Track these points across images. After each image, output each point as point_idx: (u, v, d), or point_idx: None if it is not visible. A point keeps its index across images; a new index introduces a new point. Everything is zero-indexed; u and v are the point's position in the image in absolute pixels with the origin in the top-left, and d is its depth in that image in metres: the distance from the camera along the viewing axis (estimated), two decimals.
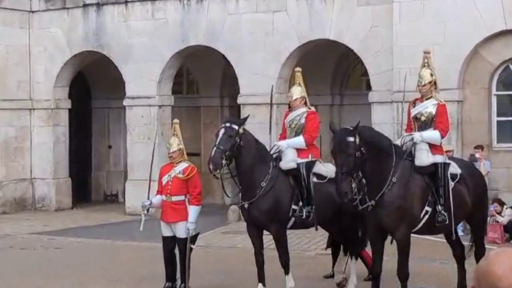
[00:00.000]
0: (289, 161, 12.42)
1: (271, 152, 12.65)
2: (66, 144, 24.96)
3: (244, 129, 12.23)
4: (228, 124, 12.20)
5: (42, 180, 24.69)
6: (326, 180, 12.19)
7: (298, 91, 12.93)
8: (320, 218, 12.39)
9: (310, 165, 12.36)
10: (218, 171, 11.98)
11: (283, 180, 12.33)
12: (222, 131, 12.05)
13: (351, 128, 11.06)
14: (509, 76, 18.98)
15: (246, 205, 12.23)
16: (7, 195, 24.07)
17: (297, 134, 12.72)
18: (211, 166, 11.84)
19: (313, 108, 13.10)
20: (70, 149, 25.17)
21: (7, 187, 24.09)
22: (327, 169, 12.30)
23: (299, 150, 12.54)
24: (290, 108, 13.11)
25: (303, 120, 12.73)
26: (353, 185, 10.91)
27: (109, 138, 27.40)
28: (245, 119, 12.67)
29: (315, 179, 12.33)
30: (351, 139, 10.88)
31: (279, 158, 12.50)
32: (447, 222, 11.45)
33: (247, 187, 12.26)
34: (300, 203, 12.26)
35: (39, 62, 24.59)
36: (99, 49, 23.88)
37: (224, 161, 11.85)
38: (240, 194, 12.43)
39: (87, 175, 27.36)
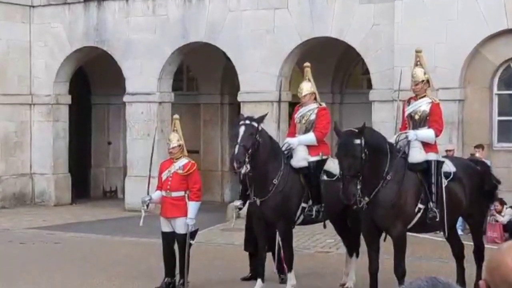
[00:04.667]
0: (300, 159, 12.37)
1: (283, 149, 12.61)
2: (66, 140, 24.90)
3: (261, 126, 12.18)
4: (248, 122, 12.03)
5: (41, 175, 24.63)
6: (335, 178, 12.08)
7: (307, 87, 12.88)
8: (328, 216, 12.44)
9: (320, 164, 12.34)
10: (241, 168, 11.91)
11: (294, 178, 12.30)
12: (242, 128, 11.87)
13: (356, 131, 11.03)
14: (510, 76, 18.92)
15: (258, 202, 12.19)
16: (6, 190, 24.03)
17: (307, 130, 12.64)
18: (235, 164, 11.73)
19: (324, 104, 13.04)
20: (69, 145, 25.11)
21: (6, 182, 24.05)
22: (337, 166, 12.21)
23: (310, 147, 12.49)
24: (300, 103, 13.05)
25: (313, 116, 12.67)
26: (358, 187, 10.92)
27: (108, 134, 27.33)
28: (264, 117, 12.42)
29: (325, 177, 12.30)
30: (358, 141, 10.86)
31: (290, 156, 12.46)
32: (437, 219, 11.46)
33: (260, 184, 12.19)
34: (310, 202, 12.25)
35: (39, 57, 24.52)
36: (99, 45, 23.83)
37: (246, 159, 11.76)
38: (252, 189, 12.33)
39: (87, 171, 27.30)
